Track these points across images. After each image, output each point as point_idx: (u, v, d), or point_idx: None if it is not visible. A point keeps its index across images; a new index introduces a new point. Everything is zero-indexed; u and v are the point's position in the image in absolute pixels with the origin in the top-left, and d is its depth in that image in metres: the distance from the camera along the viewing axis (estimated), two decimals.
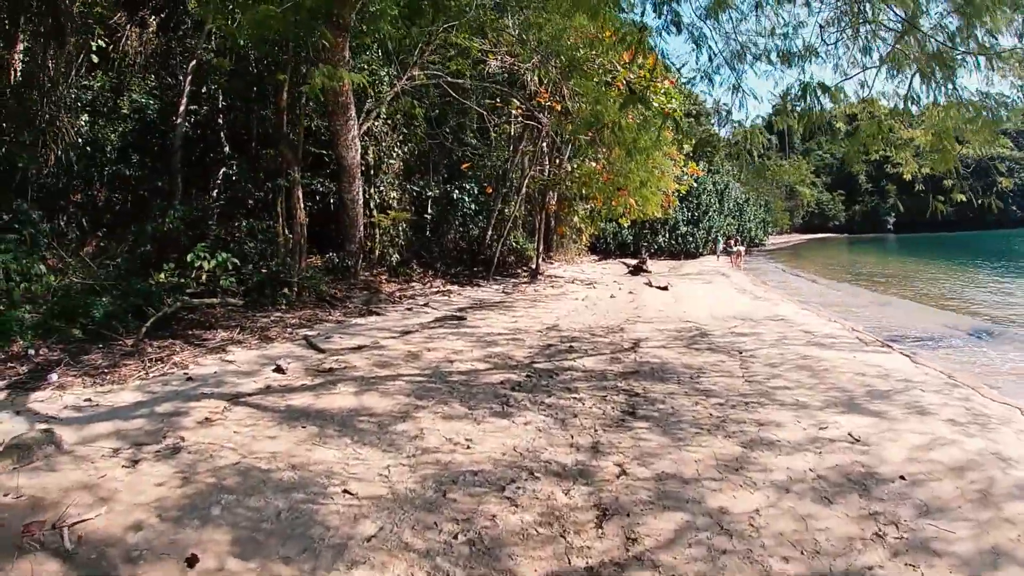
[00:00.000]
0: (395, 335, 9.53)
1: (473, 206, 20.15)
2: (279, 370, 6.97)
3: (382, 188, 16.68)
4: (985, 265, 30.33)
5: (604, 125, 10.04)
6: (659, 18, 7.60)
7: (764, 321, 12.15)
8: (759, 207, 56.51)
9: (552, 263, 24.42)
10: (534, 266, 19.79)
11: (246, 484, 4.04)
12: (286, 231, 13.24)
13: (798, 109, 8.25)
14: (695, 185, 33.13)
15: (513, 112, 18.12)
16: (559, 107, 16.97)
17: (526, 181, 19.09)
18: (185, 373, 6.78)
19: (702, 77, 8.26)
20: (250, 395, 6.09)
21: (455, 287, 16.41)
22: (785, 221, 76.64)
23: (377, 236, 16.45)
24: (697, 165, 25.13)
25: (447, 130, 18.94)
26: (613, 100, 13.55)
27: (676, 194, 21.77)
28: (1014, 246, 46.28)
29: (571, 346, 9.09)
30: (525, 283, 18.02)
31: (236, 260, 10.55)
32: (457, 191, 19.17)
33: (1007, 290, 19.92)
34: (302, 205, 13.29)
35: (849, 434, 5.19)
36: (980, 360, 9.99)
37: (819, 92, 7.60)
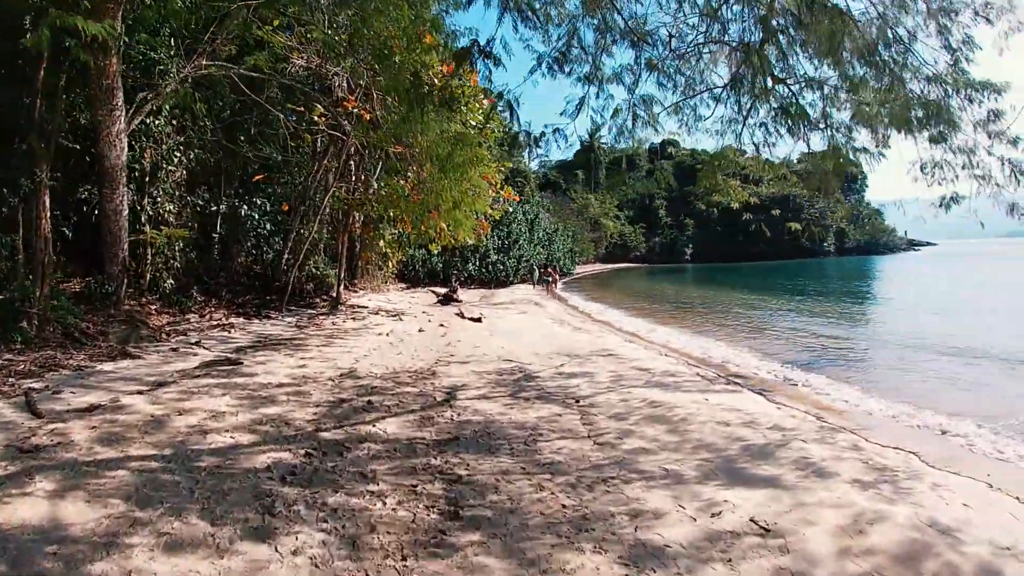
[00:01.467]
0: (145, 387, 7.44)
1: (268, 226, 18.23)
2: None
3: (158, 199, 14.39)
4: (778, 294, 32.56)
5: (428, 98, 8.42)
6: None
7: (592, 357, 11.24)
8: (567, 237, 57.87)
9: (356, 291, 22.91)
10: (335, 295, 17.73)
11: None
12: (40, 246, 10.61)
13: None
14: (510, 211, 32.63)
15: (315, 119, 15.89)
16: (368, 116, 15.08)
17: (328, 200, 16.91)
18: None
19: (549, 64, 6.93)
20: None
21: (240, 319, 14.42)
22: (590, 251, 79.80)
23: (149, 257, 14.06)
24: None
25: (242, 137, 16.36)
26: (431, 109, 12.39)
27: (490, 220, 20.63)
28: (802, 275, 51.09)
29: (370, 400, 7.24)
30: (324, 314, 16.24)
31: None
32: (247, 207, 16.60)
33: (799, 320, 20.91)
34: (48, 214, 10.74)
35: (752, 520, 4.29)
36: (824, 393, 9.70)
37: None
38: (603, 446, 5.78)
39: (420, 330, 14.38)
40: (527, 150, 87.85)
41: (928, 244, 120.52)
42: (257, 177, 17.15)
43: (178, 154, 14.91)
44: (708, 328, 19.20)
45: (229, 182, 17.50)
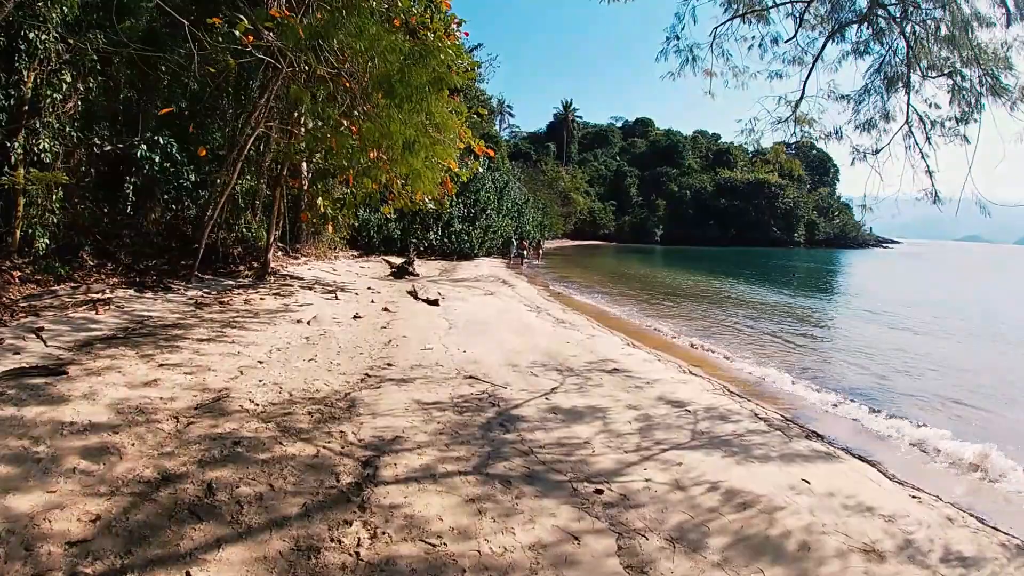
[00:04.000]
0: None
1: (193, 176, 14.88)
2: None
3: (41, 135, 11.36)
4: (775, 282, 29.92)
5: None
6: None
7: (593, 374, 7.99)
8: (537, 210, 54.33)
9: (298, 258, 19.73)
10: (263, 261, 14.94)
11: None
12: None
13: None
14: (479, 172, 28.98)
15: (238, 34, 11.96)
16: (303, 32, 11.29)
17: (251, 143, 13.37)
18: None
19: None
20: None
21: (131, 291, 11.13)
22: (559, 227, 76.56)
23: (20, 207, 11.17)
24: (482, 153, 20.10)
25: (163, 68, 13.36)
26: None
27: (456, 181, 17.08)
28: (775, 261, 48.76)
29: (211, 486, 3.73)
30: (243, 287, 13.08)
31: None
32: (146, 146, 13.41)
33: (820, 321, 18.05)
34: None
35: None
36: (937, 456, 6.48)
37: None
38: None
39: (356, 316, 10.96)
40: (499, 117, 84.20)
41: (894, 242, 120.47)
42: (163, 111, 13.38)
43: (69, 79, 11.65)
44: (712, 328, 16.00)
45: (146, 121, 14.11)
